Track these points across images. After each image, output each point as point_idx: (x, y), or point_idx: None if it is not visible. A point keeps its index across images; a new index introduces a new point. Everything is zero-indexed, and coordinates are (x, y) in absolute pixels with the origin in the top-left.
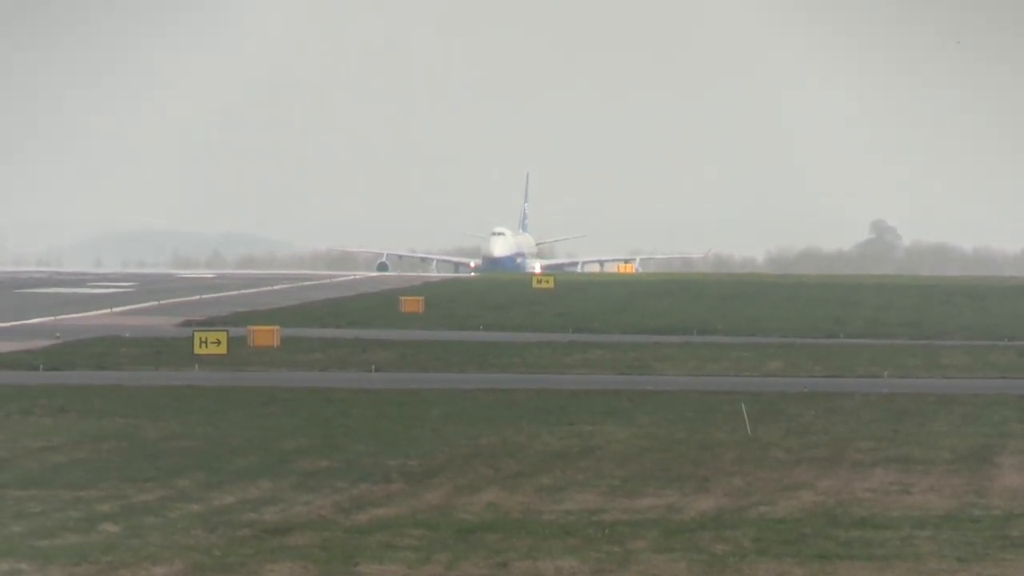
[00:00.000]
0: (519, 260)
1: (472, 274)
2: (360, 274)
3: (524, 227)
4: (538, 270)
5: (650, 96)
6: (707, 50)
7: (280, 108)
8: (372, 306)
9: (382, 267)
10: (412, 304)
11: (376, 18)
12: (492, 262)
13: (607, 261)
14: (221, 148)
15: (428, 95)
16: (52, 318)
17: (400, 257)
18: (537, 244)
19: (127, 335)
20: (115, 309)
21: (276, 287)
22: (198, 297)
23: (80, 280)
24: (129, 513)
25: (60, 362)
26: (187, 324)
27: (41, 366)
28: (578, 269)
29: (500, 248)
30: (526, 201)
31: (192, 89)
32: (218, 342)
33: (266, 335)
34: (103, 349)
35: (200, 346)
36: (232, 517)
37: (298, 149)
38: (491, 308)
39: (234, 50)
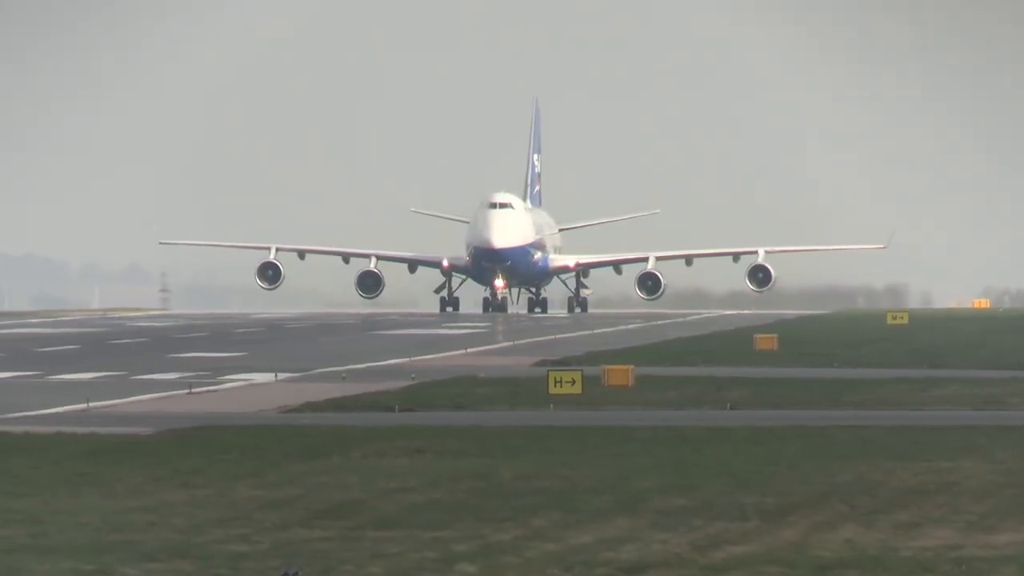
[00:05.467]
0: (538, 255)
1: (440, 295)
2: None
3: (534, 198)
4: (572, 265)
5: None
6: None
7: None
8: (725, 344)
9: (265, 274)
10: (766, 342)
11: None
12: (490, 257)
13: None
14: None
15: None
16: (407, 359)
17: (301, 255)
18: (560, 229)
19: (482, 375)
20: (469, 350)
21: (630, 326)
22: (552, 337)
23: (433, 321)
24: (486, 553)
25: (416, 403)
26: (541, 364)
27: (396, 407)
28: (648, 266)
29: (504, 233)
30: (536, 152)
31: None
32: (572, 381)
33: (620, 374)
34: (459, 390)
35: (555, 386)
36: (588, 556)
37: None
38: (845, 345)
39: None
